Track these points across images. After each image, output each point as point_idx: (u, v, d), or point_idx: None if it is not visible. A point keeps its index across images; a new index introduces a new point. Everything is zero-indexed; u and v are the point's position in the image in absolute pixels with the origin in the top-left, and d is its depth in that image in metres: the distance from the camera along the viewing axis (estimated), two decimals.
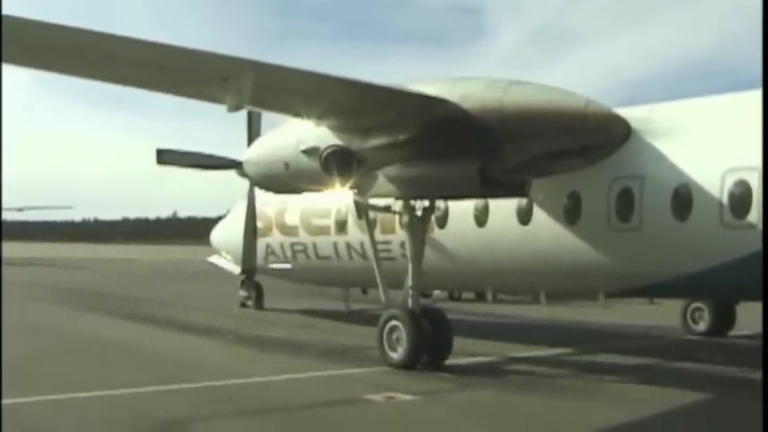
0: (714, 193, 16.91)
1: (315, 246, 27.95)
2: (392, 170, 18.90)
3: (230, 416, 14.04)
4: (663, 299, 26.38)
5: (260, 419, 14.02)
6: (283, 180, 20.37)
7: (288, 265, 29.89)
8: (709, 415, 15.21)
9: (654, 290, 19.98)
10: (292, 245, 29.11)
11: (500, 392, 16.62)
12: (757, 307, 21.91)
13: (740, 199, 16.53)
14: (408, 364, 18.77)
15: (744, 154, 16.74)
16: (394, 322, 19.26)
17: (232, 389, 16.38)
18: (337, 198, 24.28)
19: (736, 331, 27.33)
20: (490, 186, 18.17)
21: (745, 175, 16.52)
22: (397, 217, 21.78)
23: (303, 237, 28.29)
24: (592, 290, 21.67)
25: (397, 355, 19.09)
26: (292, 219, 28.92)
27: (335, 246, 26.86)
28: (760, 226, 16.12)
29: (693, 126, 17.97)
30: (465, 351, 20.56)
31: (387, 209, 21.16)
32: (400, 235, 21.74)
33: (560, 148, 18.08)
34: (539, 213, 19.77)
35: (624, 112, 18.42)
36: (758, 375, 18.90)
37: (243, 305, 35.79)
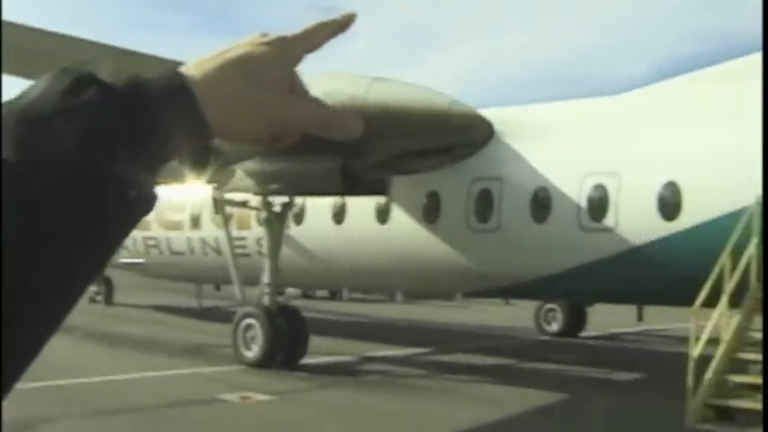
0: (572, 197, 17.06)
1: (168, 240, 27.31)
2: (251, 165, 18.54)
3: (79, 417, 13.47)
4: (519, 299, 26.65)
5: (109, 420, 13.49)
6: None
7: (140, 260, 29.14)
8: (564, 414, 15.31)
9: (511, 290, 20.11)
10: (145, 239, 28.38)
11: (356, 392, 16.45)
12: (608, 308, 22.43)
13: (598, 202, 16.72)
14: (263, 363, 18.43)
15: (602, 158, 16.95)
16: (249, 320, 18.91)
17: (81, 388, 15.79)
18: (193, 192, 23.74)
19: (587, 332, 27.88)
20: (350, 184, 18.01)
21: (603, 180, 16.71)
22: (253, 213, 21.40)
23: (156, 231, 27.58)
24: (449, 289, 21.78)
25: (252, 353, 18.75)
26: None
27: (189, 241, 26.29)
28: (617, 229, 16.35)
29: (554, 129, 18.11)
30: (321, 350, 20.33)
31: (244, 204, 20.77)
32: (256, 231, 21.38)
33: (423, 146, 18.03)
34: (398, 212, 19.65)
35: (487, 114, 18.48)
36: (608, 375, 19.33)
37: (92, 300, 34.65)
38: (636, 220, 16.13)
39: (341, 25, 1.43)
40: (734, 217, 14.38)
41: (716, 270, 13.63)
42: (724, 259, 13.71)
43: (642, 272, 16.12)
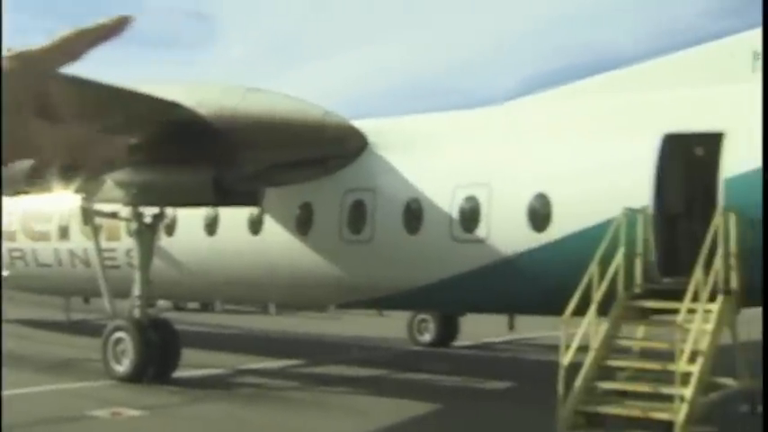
0: (444, 208, 17.19)
1: (34, 252, 26.54)
2: (120, 175, 18.18)
3: None
4: (392, 310, 26.74)
5: None
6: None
7: (4, 272, 28.26)
8: (436, 424, 15.40)
9: (384, 302, 20.13)
10: (10, 251, 27.53)
11: (229, 405, 16.27)
12: (480, 318, 22.67)
13: (470, 214, 16.88)
14: (134, 378, 18.07)
15: (473, 170, 17.15)
16: (119, 333, 18.54)
17: None
18: (61, 202, 23.16)
19: (460, 342, 28.14)
20: (223, 195, 17.81)
21: (475, 191, 16.89)
22: (123, 224, 20.97)
23: (22, 242, 26.77)
24: (322, 301, 21.74)
25: (122, 367, 18.38)
26: (11, 223, 27.35)
27: (57, 252, 25.59)
28: (488, 240, 16.54)
29: (427, 141, 18.25)
30: (193, 363, 20.01)
31: (114, 215, 20.34)
32: (126, 242, 20.94)
33: (296, 158, 17.98)
34: (271, 223, 19.52)
35: (361, 125, 18.52)
36: (481, 384, 19.53)
37: None
38: (507, 232, 16.35)
39: (111, 30, 1.33)
40: (602, 228, 14.70)
41: (585, 280, 13.89)
42: (592, 269, 13.99)
43: (513, 282, 16.34)
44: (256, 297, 24.88)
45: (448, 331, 28.08)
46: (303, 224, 19.03)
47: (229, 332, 32.57)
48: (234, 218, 19.91)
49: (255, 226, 19.76)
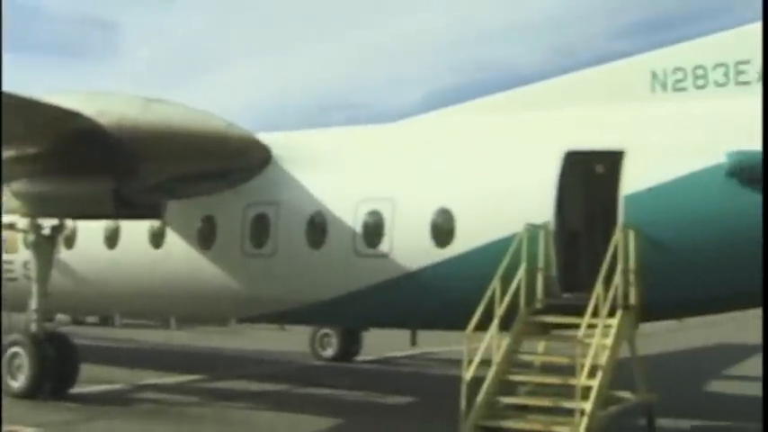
0: (348, 222, 17.14)
1: None
2: (18, 186, 17.79)
3: None
4: (295, 325, 26.61)
5: None
6: None
7: None
8: None
9: (287, 316, 19.94)
10: None
11: (128, 422, 16.00)
12: (383, 332, 22.68)
13: (373, 228, 16.86)
14: (30, 394, 17.68)
15: (377, 185, 17.17)
16: (15, 348, 18.10)
17: None
18: None
19: (362, 356, 28.14)
20: (124, 207, 17.54)
21: (378, 206, 16.88)
22: (20, 235, 20.50)
23: None
24: (224, 315, 21.52)
25: (18, 383, 17.95)
26: None
27: None
28: (391, 255, 16.54)
29: (331, 155, 18.22)
30: (92, 378, 19.67)
31: (11, 226, 19.88)
32: (24, 254, 20.47)
33: (199, 170, 17.78)
34: (172, 237, 19.25)
35: (265, 138, 18.41)
36: (383, 399, 19.53)
37: None
38: (410, 246, 16.37)
39: None
40: (504, 243, 14.81)
41: (487, 294, 13.98)
42: (495, 284, 14.08)
43: (417, 297, 16.38)
44: (157, 311, 24.56)
45: (350, 346, 28.09)
46: (205, 237, 18.80)
47: (129, 346, 32.07)
48: (135, 230, 19.60)
49: (157, 239, 19.47)
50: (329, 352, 28.06)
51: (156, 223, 19.32)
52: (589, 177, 16.33)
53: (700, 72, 15.63)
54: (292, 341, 30.73)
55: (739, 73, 15.34)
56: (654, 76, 15.91)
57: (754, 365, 27.07)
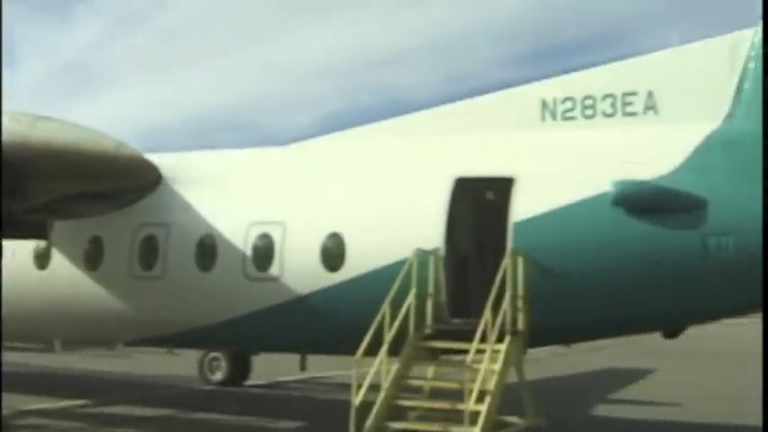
0: (238, 245, 17.00)
1: None
2: None
3: None
4: (184, 348, 26.21)
5: None
6: None
7: None
8: None
9: (176, 339, 19.59)
10: None
11: None
12: (273, 356, 22.51)
13: (263, 252, 16.75)
14: None
15: (268, 208, 17.08)
16: None
17: None
18: None
19: (252, 381, 27.87)
20: (9, 226, 17.08)
21: (269, 229, 16.79)
22: None
23: None
24: (112, 338, 21.07)
25: None
26: None
27: None
28: (282, 279, 16.45)
29: (222, 177, 18.09)
30: None
31: None
32: None
33: (87, 189, 17.44)
34: (58, 258, 18.83)
35: (155, 159, 18.15)
36: (272, 424, 19.37)
37: None
38: (300, 270, 16.32)
39: None
40: (394, 268, 14.86)
41: (377, 319, 13.99)
42: (385, 309, 14.10)
43: (307, 321, 16.32)
44: (42, 334, 23.85)
45: (240, 370, 27.79)
46: (92, 259, 18.44)
47: (11, 370, 31.18)
48: (19, 251, 19.11)
49: (42, 260, 19.03)
50: (218, 376, 27.72)
51: (41, 244, 18.88)
52: (480, 204, 16.51)
53: (589, 102, 15.97)
54: (181, 365, 30.28)
55: (626, 104, 15.74)
56: (544, 104, 16.20)
57: (641, 389, 27.70)
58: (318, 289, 16.13)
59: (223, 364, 27.73)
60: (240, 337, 18.02)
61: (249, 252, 16.90)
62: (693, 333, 17.78)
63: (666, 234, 14.22)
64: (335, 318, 15.88)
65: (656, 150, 14.92)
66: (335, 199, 16.67)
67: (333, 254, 16.07)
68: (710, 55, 15.47)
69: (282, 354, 20.98)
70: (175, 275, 17.60)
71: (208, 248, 17.32)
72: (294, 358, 21.94)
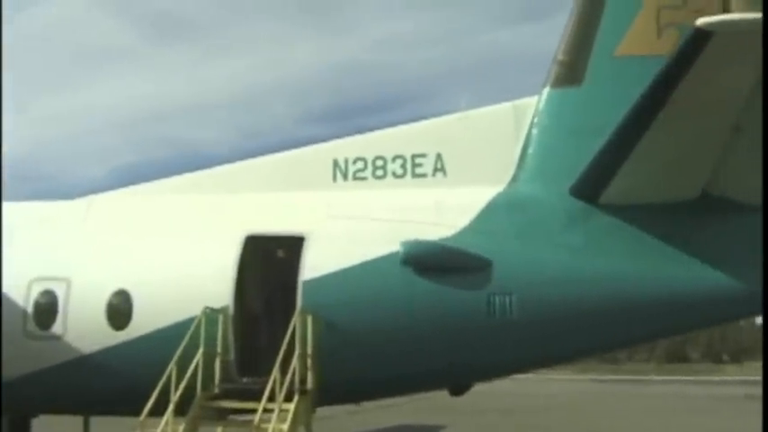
0: (20, 302, 16.35)
1: None
2: None
3: None
4: None
5: None
6: None
7: None
8: None
9: None
10: None
11: None
12: (53, 420, 21.70)
13: (46, 309, 16.17)
14: None
15: (52, 264, 16.53)
16: None
17: None
18: None
19: None
20: None
21: (52, 285, 16.25)
22: None
23: None
24: None
25: None
26: None
27: None
28: (65, 337, 15.91)
29: (7, 231, 17.36)
30: None
31: None
32: None
33: None
34: None
35: None
36: None
37: None
38: (85, 328, 15.86)
39: None
40: (182, 326, 14.64)
41: (163, 379, 13.70)
42: (171, 368, 13.83)
43: (91, 381, 15.85)
44: None
45: None
46: None
47: None
48: None
49: None
50: None
51: None
52: (270, 262, 16.47)
53: (379, 163, 16.25)
54: None
55: (416, 165, 16.13)
56: (336, 164, 16.38)
57: None
58: (103, 348, 15.70)
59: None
60: (22, 399, 17.21)
61: (30, 309, 16.27)
62: (481, 389, 18.09)
63: (453, 293, 14.57)
64: (121, 377, 15.47)
65: (444, 212, 15.31)
66: (124, 256, 16.31)
67: (119, 312, 15.69)
68: (497, 120, 16.09)
69: (65, 416, 20.24)
70: None
71: None
72: (78, 420, 21.22)
